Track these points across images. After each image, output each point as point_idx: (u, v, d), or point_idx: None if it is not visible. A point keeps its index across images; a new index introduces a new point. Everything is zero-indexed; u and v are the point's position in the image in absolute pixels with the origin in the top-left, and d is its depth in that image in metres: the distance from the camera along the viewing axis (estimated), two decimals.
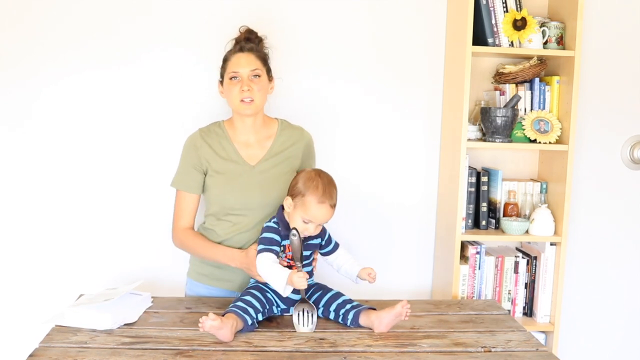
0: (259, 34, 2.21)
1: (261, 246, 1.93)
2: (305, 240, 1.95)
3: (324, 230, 2.05)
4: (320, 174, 1.96)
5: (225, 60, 2.16)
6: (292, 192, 1.96)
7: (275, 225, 1.96)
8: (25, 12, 2.48)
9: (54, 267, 2.61)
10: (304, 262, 1.95)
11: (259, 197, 2.11)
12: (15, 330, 2.59)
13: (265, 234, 1.94)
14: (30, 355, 1.67)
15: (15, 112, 2.53)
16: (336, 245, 2.09)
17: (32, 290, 2.60)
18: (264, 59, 2.17)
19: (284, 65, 2.57)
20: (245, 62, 2.11)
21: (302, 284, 1.83)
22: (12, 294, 2.60)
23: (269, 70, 2.18)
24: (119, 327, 1.87)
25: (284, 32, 2.57)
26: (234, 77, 2.11)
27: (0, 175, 2.56)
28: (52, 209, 2.59)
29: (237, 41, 2.17)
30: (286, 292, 1.86)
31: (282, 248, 1.95)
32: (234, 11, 2.53)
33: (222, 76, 2.17)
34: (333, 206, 1.94)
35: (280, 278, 1.84)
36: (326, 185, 1.93)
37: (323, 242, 2.06)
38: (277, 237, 1.94)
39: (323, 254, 2.09)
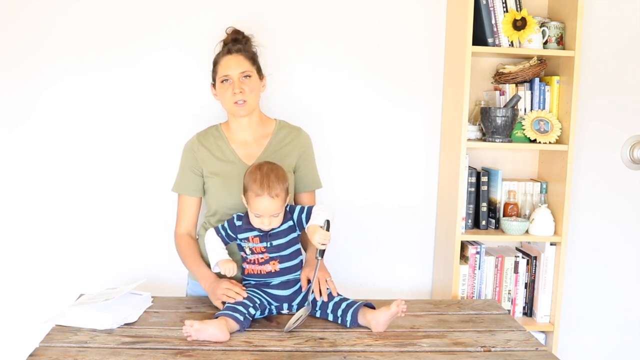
0: (246, 34, 2.22)
1: (218, 225, 2.06)
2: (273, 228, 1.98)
3: (291, 210, 2.03)
4: (261, 166, 1.96)
5: (215, 64, 2.18)
6: (243, 189, 1.98)
7: (235, 217, 2.03)
8: (25, 12, 2.47)
9: (54, 267, 2.60)
10: (287, 252, 2.00)
11: None
12: (15, 330, 2.59)
13: (226, 220, 2.05)
14: (30, 355, 1.67)
15: (16, 113, 2.53)
16: (309, 213, 2.00)
17: (32, 290, 2.60)
18: (253, 59, 2.18)
19: (284, 65, 2.57)
20: (235, 64, 2.12)
21: (228, 272, 1.96)
22: (12, 294, 2.60)
23: (259, 69, 2.19)
24: (119, 327, 1.87)
25: (286, 30, 2.57)
26: (225, 80, 2.12)
27: (1, 175, 2.56)
28: (53, 209, 2.59)
29: (225, 43, 2.19)
30: (214, 269, 2.02)
31: (244, 240, 2.00)
32: (238, 10, 2.51)
33: (213, 79, 2.19)
34: (275, 196, 1.91)
35: (213, 257, 2.00)
36: (264, 176, 1.92)
37: (295, 222, 2.02)
38: (229, 230, 2.02)
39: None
